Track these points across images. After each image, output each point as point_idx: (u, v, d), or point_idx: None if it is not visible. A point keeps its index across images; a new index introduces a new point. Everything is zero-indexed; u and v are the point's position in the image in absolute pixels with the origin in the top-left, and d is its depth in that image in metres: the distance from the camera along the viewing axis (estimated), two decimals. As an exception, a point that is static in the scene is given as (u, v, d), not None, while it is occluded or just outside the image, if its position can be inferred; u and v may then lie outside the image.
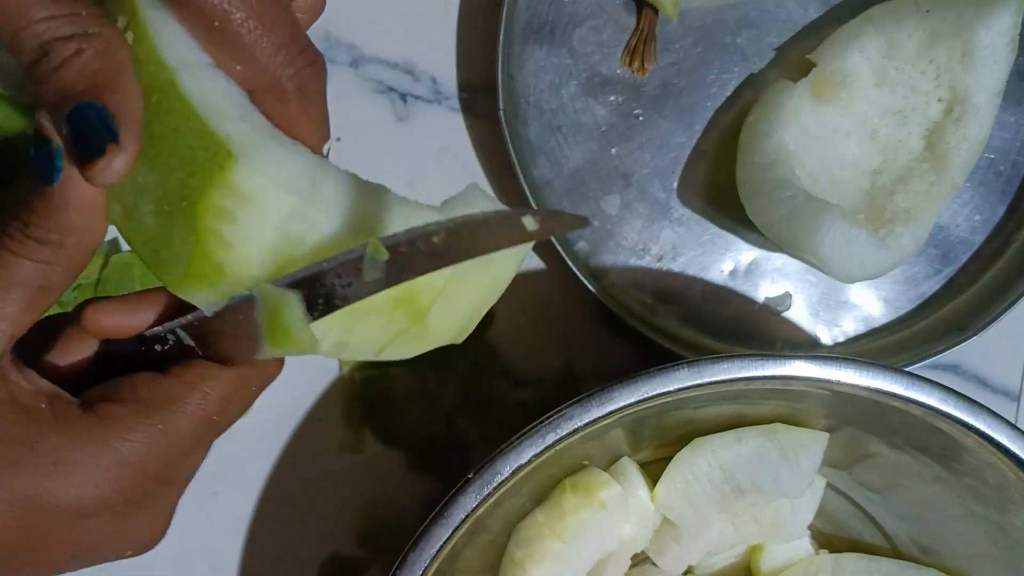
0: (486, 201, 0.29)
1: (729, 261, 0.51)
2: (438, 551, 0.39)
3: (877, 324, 0.52)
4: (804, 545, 0.50)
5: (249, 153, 0.26)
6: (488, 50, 0.49)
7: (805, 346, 0.51)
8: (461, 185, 0.29)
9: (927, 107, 0.49)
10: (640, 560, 0.49)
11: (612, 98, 0.51)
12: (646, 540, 0.47)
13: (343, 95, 0.51)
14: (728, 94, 0.51)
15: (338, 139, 0.51)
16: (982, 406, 0.40)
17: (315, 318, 0.27)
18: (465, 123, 0.52)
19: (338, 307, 0.27)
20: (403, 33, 0.51)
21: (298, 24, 0.29)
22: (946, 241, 0.52)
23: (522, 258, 0.30)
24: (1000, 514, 0.43)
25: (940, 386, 0.40)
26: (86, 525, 0.28)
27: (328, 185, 0.28)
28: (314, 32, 0.30)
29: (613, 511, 0.44)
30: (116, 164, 0.24)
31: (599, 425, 0.39)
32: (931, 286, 0.52)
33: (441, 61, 0.51)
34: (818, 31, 0.51)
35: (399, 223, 0.27)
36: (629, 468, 0.46)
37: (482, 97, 0.51)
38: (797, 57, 0.50)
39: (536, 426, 0.39)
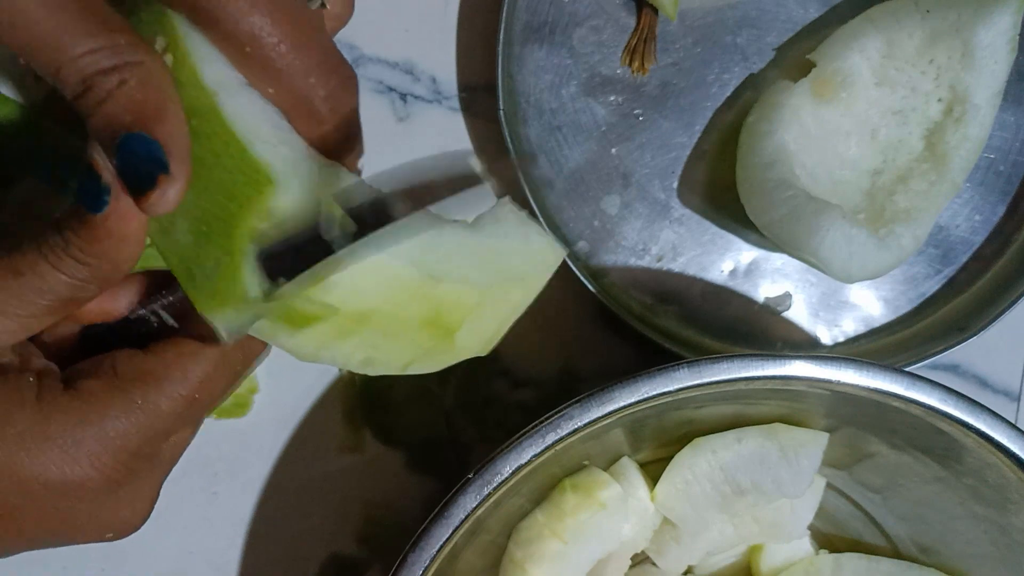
0: (517, 218, 0.29)
1: (729, 261, 0.51)
2: (438, 551, 0.39)
3: (877, 324, 0.52)
4: (804, 545, 0.50)
5: (287, 179, 0.26)
6: (488, 50, 0.49)
7: (805, 346, 0.52)
8: (461, 185, 0.29)
9: (927, 107, 0.49)
10: (640, 560, 0.49)
11: (612, 98, 0.51)
12: (646, 540, 0.47)
13: (343, 95, 0.51)
14: (728, 94, 0.51)
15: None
16: (982, 406, 0.40)
17: (272, 286, 0.27)
18: (465, 123, 0.52)
19: (298, 273, 0.27)
20: (403, 33, 0.51)
21: (330, 41, 0.29)
22: (946, 241, 0.52)
23: (551, 274, 0.30)
24: (1000, 514, 0.43)
25: (940, 386, 0.40)
26: (63, 501, 0.27)
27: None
28: (314, 32, 0.30)
29: (613, 511, 0.44)
30: (169, 194, 0.25)
31: (599, 425, 0.39)
32: (931, 286, 0.52)
33: (441, 61, 0.51)
34: (818, 31, 0.51)
35: (431, 242, 0.28)
36: (629, 468, 0.46)
37: (482, 97, 0.51)
38: (797, 57, 0.50)
39: (536, 426, 0.39)
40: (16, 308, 0.26)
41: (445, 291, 0.28)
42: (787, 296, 0.51)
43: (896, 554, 0.48)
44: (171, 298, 0.28)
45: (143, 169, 0.24)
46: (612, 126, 0.51)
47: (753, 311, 0.51)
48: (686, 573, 0.49)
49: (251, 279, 0.26)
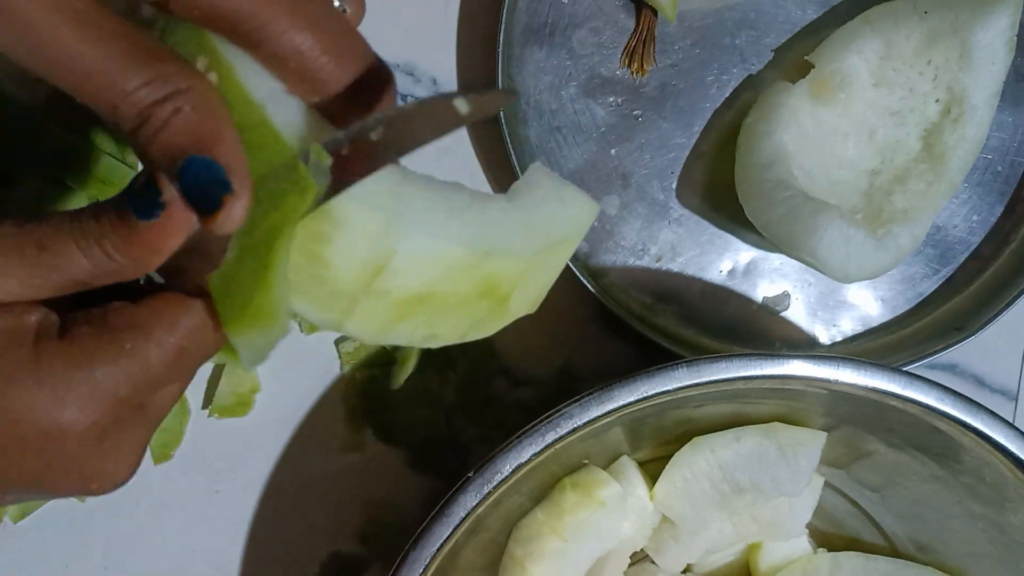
0: (550, 179, 0.31)
1: (728, 261, 0.51)
2: (438, 549, 0.39)
3: (875, 324, 0.52)
4: (802, 544, 0.50)
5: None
6: (488, 51, 0.50)
7: (803, 346, 0.52)
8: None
9: (925, 108, 0.49)
10: (639, 558, 0.49)
11: (611, 99, 0.51)
12: (645, 538, 0.47)
13: (344, 96, 0.51)
14: (727, 95, 0.51)
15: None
16: (980, 405, 0.40)
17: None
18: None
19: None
20: (403, 34, 0.51)
21: (366, 44, 0.29)
22: (944, 241, 0.52)
23: (587, 230, 0.32)
24: (998, 513, 0.43)
25: (938, 385, 0.40)
26: (48, 443, 0.27)
27: (413, 194, 0.28)
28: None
29: (612, 510, 0.44)
30: (235, 213, 0.25)
31: (598, 424, 0.39)
32: (929, 286, 0.52)
33: (441, 62, 0.52)
34: (816, 32, 0.51)
35: (475, 219, 0.29)
36: (628, 467, 0.46)
37: (482, 98, 0.52)
38: (795, 58, 0.51)
39: (536, 425, 0.39)
40: (30, 278, 0.27)
41: (495, 264, 0.29)
42: (785, 296, 0.52)
43: (894, 552, 0.48)
44: None
45: (206, 191, 0.25)
46: (611, 127, 0.51)
47: (752, 311, 0.52)
48: (685, 571, 0.49)
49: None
